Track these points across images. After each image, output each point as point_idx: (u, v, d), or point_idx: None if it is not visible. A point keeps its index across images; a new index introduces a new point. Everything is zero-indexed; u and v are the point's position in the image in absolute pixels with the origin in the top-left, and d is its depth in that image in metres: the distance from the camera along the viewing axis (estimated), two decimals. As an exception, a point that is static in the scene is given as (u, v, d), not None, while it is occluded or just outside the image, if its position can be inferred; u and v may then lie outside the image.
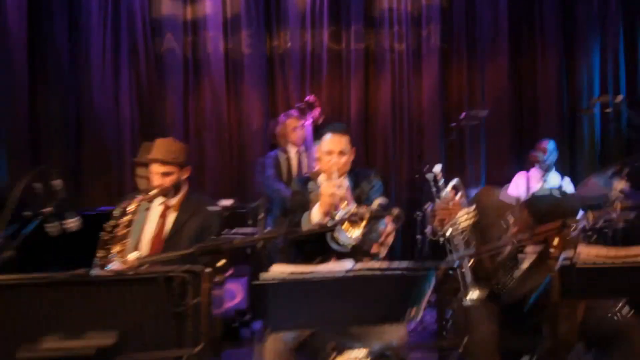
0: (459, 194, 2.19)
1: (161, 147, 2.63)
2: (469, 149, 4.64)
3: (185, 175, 2.70)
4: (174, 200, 2.67)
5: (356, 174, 2.44)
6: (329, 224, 1.96)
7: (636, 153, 4.42)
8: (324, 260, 2.33)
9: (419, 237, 3.92)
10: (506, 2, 4.67)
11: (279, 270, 1.61)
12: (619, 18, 4.60)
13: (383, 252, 2.09)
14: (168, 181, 2.62)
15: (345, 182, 2.19)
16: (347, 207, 1.96)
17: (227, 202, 3.51)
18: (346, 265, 1.68)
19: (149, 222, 2.68)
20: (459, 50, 4.73)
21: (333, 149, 2.30)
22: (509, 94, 4.71)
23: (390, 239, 2.11)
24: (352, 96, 4.68)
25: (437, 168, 2.25)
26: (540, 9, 4.67)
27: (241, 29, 4.64)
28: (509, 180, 4.22)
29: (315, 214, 2.16)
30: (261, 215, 2.72)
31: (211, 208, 2.75)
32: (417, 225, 3.84)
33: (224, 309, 3.49)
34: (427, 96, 4.71)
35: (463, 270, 2.09)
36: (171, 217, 2.66)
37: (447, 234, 2.12)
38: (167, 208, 2.67)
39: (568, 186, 4.17)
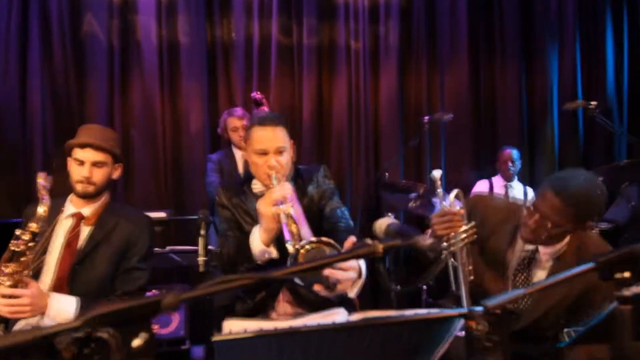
0: (459, 206, 1.79)
1: (94, 130, 2.10)
2: (429, 154, 4.35)
3: (116, 174, 2.16)
4: (89, 210, 2.10)
5: (299, 174, 1.98)
6: (289, 262, 1.52)
7: (593, 161, 4.39)
8: (271, 295, 1.89)
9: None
10: (465, 5, 4.44)
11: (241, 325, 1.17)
12: (575, 23, 4.51)
13: (353, 290, 1.64)
14: (99, 175, 2.06)
15: (289, 187, 1.74)
16: (302, 234, 1.60)
17: (159, 215, 2.90)
18: (338, 316, 1.29)
19: (55, 237, 2.08)
20: (418, 52, 4.42)
21: (267, 147, 1.82)
22: (469, 98, 4.46)
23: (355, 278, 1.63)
24: (305, 95, 4.23)
25: (437, 173, 1.83)
26: (500, 14, 4.48)
27: (177, 14, 4.05)
28: (468, 187, 3.98)
29: (257, 243, 1.74)
30: (202, 232, 2.18)
31: (139, 218, 2.20)
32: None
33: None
34: (384, 98, 4.35)
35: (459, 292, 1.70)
36: (85, 233, 2.08)
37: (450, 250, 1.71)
38: (79, 220, 2.09)
39: (531, 195, 4.00)
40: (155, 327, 3.08)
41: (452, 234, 1.70)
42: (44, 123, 3.91)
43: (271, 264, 1.78)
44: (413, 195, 3.38)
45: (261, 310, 1.92)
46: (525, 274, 1.82)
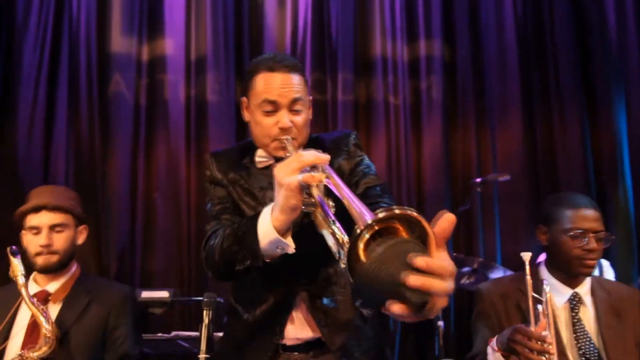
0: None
1: (47, 191, 1.86)
2: (480, 222, 3.82)
3: (81, 238, 1.84)
4: (56, 286, 1.77)
5: (320, 143, 1.44)
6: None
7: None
8: (279, 309, 1.34)
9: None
10: (515, 56, 4.05)
11: None
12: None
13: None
14: (61, 241, 1.74)
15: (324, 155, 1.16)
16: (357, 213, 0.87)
17: (161, 294, 2.47)
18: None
19: (18, 322, 1.74)
20: (465, 108, 4.01)
21: (279, 99, 1.32)
22: (525, 158, 3.96)
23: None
24: (340, 155, 3.86)
25: (526, 256, 1.50)
26: (554, 61, 4.04)
27: (207, 72, 3.86)
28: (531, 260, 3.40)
29: (267, 229, 1.14)
30: (206, 320, 1.74)
31: (116, 293, 1.83)
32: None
33: None
34: (428, 158, 3.92)
35: None
36: (53, 315, 1.73)
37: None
38: (44, 299, 1.74)
39: (608, 271, 3.37)
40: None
41: None
42: (66, 184, 3.70)
43: (282, 264, 1.22)
44: (466, 269, 2.90)
45: (261, 331, 1.36)
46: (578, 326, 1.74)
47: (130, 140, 3.79)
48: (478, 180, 3.23)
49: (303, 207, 1.10)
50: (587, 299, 1.84)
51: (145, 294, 2.34)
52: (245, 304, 1.43)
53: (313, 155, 1.09)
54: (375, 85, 3.95)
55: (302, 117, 1.38)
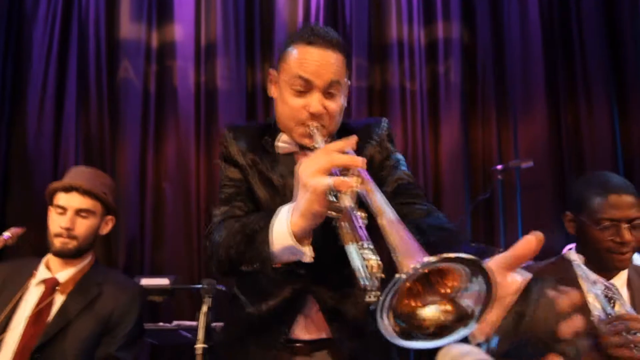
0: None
1: (85, 173, 1.77)
2: (501, 211, 3.63)
3: (106, 228, 1.75)
4: (65, 275, 1.67)
5: (348, 131, 1.27)
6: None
7: None
8: (289, 305, 1.20)
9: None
10: (539, 39, 3.85)
11: None
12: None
13: None
14: (83, 227, 1.66)
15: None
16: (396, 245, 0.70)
17: (161, 282, 2.35)
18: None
19: (21, 309, 1.66)
20: (485, 95, 3.83)
21: (314, 78, 1.16)
22: (549, 146, 3.76)
23: None
24: (354, 143, 3.72)
25: (573, 255, 1.40)
26: (582, 46, 3.82)
27: (217, 58, 3.76)
28: (555, 251, 3.21)
29: (282, 232, 0.98)
30: (205, 307, 1.62)
31: (127, 288, 1.74)
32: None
33: None
34: (446, 146, 3.75)
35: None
36: (57, 304, 1.64)
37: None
38: (52, 288, 1.66)
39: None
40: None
41: None
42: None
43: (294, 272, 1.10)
44: (487, 261, 2.70)
45: (267, 328, 1.22)
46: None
47: (140, 128, 3.72)
48: (499, 167, 3.05)
49: (328, 213, 0.93)
50: (624, 291, 1.62)
51: (145, 281, 2.24)
52: (251, 295, 1.28)
53: (347, 157, 0.92)
54: (391, 71, 3.80)
55: (337, 103, 1.21)
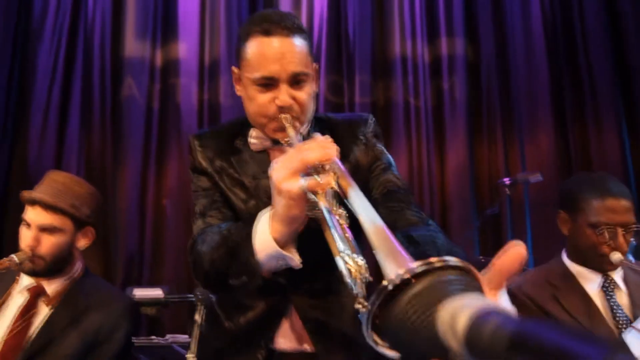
0: None
1: (55, 181, 1.57)
2: (509, 226, 3.53)
3: (84, 241, 1.63)
4: (51, 287, 1.58)
5: (329, 125, 1.21)
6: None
7: None
8: (270, 315, 1.12)
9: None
10: (544, 55, 3.82)
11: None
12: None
13: None
14: (48, 245, 1.52)
15: (331, 144, 0.92)
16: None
17: (154, 293, 2.21)
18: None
19: (4, 317, 1.56)
20: (490, 109, 3.79)
21: (276, 71, 1.07)
22: (557, 163, 3.68)
23: None
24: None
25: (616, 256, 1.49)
26: (587, 62, 3.78)
27: (220, 75, 3.76)
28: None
29: (265, 240, 0.92)
30: (197, 317, 1.53)
31: (117, 302, 1.63)
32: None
33: None
34: (452, 162, 3.68)
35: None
36: (40, 316, 1.54)
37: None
38: (36, 296, 1.56)
39: None
40: None
41: None
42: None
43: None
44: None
45: (245, 343, 1.14)
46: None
47: (142, 145, 3.69)
48: (506, 180, 2.97)
49: (308, 213, 0.89)
50: (621, 285, 1.61)
51: (138, 292, 2.15)
52: (229, 309, 1.20)
53: (318, 152, 0.87)
54: (395, 87, 3.77)
55: (306, 91, 1.12)
